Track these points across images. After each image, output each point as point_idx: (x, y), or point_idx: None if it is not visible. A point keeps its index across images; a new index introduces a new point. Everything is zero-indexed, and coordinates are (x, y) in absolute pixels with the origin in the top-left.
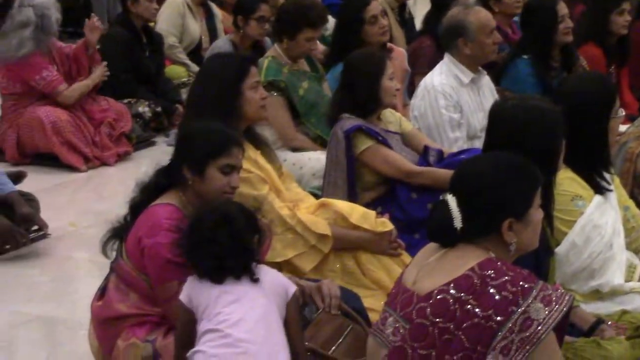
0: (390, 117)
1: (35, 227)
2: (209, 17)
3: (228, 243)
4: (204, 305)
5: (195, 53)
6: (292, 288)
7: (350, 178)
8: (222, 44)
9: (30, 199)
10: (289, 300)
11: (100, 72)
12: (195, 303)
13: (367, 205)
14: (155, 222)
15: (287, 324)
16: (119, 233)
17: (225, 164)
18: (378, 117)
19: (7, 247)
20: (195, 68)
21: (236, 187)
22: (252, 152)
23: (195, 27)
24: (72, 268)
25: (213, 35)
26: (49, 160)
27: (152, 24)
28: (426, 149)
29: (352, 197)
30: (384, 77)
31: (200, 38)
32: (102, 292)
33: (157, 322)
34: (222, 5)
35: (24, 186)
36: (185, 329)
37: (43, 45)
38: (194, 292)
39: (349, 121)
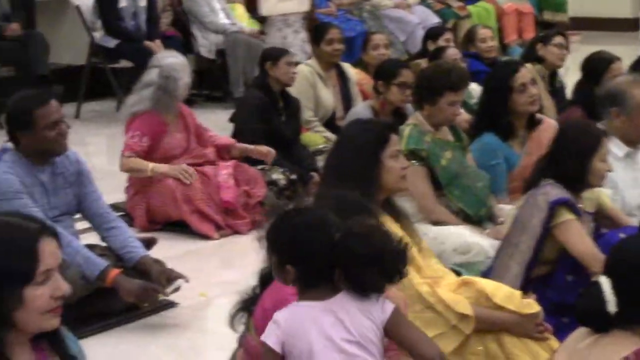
0: (588, 193)
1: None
2: (343, 82)
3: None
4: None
5: (329, 124)
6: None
7: (537, 248)
8: (362, 109)
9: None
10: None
11: (179, 173)
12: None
13: (535, 279)
14: (281, 298)
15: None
16: (248, 305)
17: None
18: (579, 194)
19: (146, 305)
20: (332, 136)
21: None
22: (391, 224)
23: (328, 97)
24: (201, 340)
25: (347, 102)
26: (180, 227)
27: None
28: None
29: (530, 267)
30: (596, 157)
31: (334, 107)
32: None
33: None
34: (366, 68)
35: (154, 253)
36: None
37: (162, 106)
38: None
39: (555, 190)
